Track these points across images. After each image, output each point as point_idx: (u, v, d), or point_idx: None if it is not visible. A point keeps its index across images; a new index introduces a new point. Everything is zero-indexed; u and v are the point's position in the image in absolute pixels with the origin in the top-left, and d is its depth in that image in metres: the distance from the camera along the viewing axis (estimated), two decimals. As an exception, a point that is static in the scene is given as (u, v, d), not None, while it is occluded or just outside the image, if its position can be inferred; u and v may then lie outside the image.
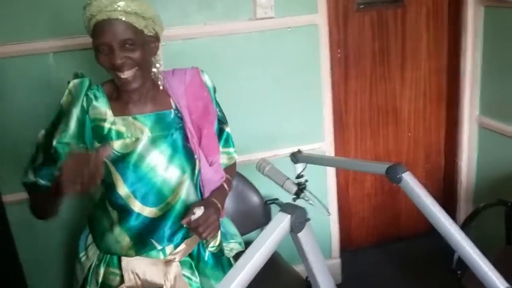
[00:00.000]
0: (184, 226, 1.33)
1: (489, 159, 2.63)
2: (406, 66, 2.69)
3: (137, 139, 1.33)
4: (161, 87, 1.39)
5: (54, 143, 1.30)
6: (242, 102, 2.29)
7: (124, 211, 1.35)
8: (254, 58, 2.25)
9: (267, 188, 2.19)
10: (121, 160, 1.32)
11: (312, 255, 0.89)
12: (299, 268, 2.11)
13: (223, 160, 1.52)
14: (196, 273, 1.43)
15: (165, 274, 1.37)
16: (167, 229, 1.38)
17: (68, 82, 1.35)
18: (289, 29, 2.24)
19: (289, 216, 0.85)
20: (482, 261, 1.09)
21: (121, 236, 1.36)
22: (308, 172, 1.57)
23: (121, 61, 1.24)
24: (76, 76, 1.36)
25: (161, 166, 1.35)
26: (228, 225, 1.57)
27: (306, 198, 1.51)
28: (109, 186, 1.34)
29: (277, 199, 2.29)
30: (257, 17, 2.17)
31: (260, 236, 0.83)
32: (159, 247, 1.38)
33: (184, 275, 1.40)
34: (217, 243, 1.43)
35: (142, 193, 1.34)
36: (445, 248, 2.86)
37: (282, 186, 1.56)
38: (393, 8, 2.56)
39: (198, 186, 1.43)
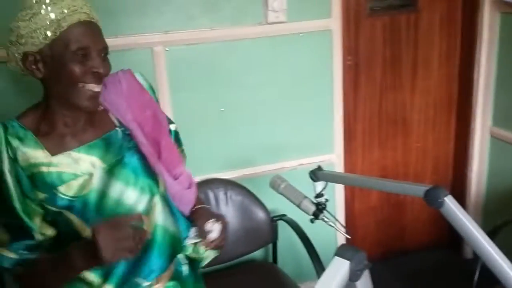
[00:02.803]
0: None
1: (500, 171, 2.53)
2: (417, 75, 2.58)
3: (91, 175, 1.12)
4: (101, 107, 1.18)
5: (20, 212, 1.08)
6: (248, 111, 2.15)
7: None
8: (262, 64, 2.11)
9: (273, 202, 2.06)
10: (79, 204, 1.11)
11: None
12: (307, 287, 1.97)
13: None
14: None
15: None
16: (153, 264, 1.18)
17: None
18: (301, 35, 2.11)
19: (348, 262, 0.71)
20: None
21: (99, 285, 1.15)
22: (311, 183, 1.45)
23: (104, 70, 1.09)
24: None
25: (128, 196, 1.15)
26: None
27: (326, 219, 1.43)
28: (68, 237, 1.11)
29: (284, 215, 2.16)
30: (268, 21, 2.03)
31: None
32: (146, 283, 1.18)
33: None
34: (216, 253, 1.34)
35: None
36: (456, 263, 2.72)
37: (299, 206, 1.45)
38: (406, 14, 2.44)
39: (171, 205, 1.24)
